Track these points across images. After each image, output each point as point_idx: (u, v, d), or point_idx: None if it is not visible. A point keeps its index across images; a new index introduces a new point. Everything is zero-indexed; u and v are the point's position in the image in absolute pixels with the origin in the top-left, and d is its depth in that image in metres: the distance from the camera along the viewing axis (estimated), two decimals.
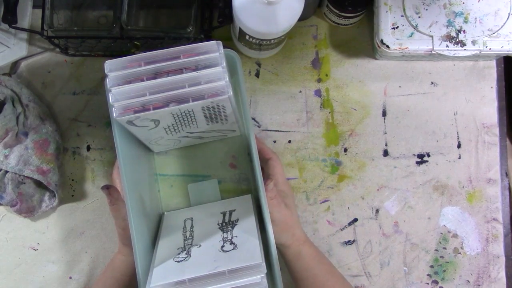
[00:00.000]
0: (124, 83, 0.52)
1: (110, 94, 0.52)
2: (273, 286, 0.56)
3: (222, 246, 0.56)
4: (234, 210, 0.64)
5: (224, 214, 0.64)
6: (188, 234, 0.61)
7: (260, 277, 0.50)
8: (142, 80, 0.52)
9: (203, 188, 0.70)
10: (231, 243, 0.56)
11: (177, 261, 0.55)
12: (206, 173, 0.70)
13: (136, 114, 0.51)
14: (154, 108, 0.51)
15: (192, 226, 0.63)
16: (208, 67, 0.52)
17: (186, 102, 0.52)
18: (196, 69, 0.52)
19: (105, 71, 0.52)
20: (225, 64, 0.53)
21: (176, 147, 0.70)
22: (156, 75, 0.52)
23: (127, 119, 0.52)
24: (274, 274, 0.56)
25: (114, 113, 0.51)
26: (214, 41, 0.53)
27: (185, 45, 0.53)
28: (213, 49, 0.53)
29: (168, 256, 0.56)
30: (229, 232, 0.59)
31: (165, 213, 0.69)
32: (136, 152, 0.64)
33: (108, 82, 0.52)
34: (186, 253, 0.56)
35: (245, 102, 0.61)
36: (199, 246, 0.57)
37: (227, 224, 0.61)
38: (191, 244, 0.58)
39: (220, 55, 0.53)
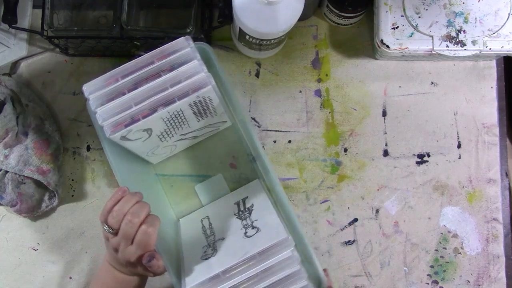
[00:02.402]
0: (107, 101, 0.52)
1: (97, 116, 0.52)
2: (305, 257, 0.55)
3: (245, 233, 0.55)
4: (247, 197, 0.64)
5: (238, 203, 0.64)
6: (208, 231, 0.61)
7: (290, 251, 0.50)
8: (124, 94, 0.52)
9: (210, 185, 0.70)
10: (253, 227, 0.56)
11: (206, 259, 0.54)
12: (206, 173, 0.70)
13: (127, 128, 0.51)
14: (144, 117, 0.51)
15: (210, 224, 0.63)
16: (183, 64, 0.52)
17: (173, 103, 0.52)
18: (173, 68, 0.52)
19: (85, 94, 0.52)
20: (200, 57, 0.53)
21: (174, 153, 0.69)
22: (136, 85, 0.52)
23: (120, 135, 0.52)
24: (303, 243, 0.55)
25: (106, 132, 0.51)
26: (183, 37, 0.53)
27: (156, 48, 0.53)
28: (184, 46, 0.53)
29: (195, 257, 0.55)
30: (247, 219, 0.59)
31: (180, 219, 0.68)
32: (135, 170, 0.64)
33: (91, 105, 0.52)
34: (212, 249, 0.56)
35: (229, 89, 0.60)
36: (223, 239, 0.57)
37: (243, 211, 0.61)
38: (214, 240, 0.58)
39: (191, 49, 0.53)
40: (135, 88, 0.52)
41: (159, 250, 0.54)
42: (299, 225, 0.56)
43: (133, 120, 0.51)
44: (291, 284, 0.50)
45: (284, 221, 0.55)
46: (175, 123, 0.57)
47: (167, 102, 0.52)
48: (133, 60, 0.53)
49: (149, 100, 0.52)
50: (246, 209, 0.61)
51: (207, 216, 0.65)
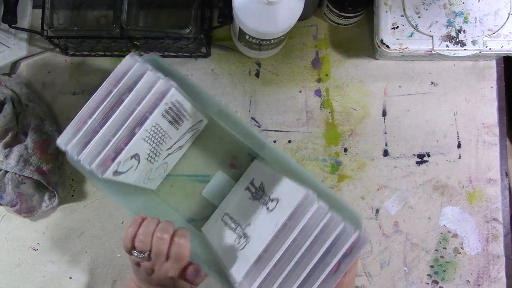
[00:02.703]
0: (85, 145, 0.52)
1: (81, 163, 0.52)
2: (331, 204, 0.54)
3: (267, 208, 0.55)
4: (253, 178, 0.64)
5: (248, 188, 0.64)
6: (233, 225, 0.61)
7: (315, 203, 0.50)
8: (98, 131, 0.52)
9: (215, 185, 0.70)
10: (272, 200, 0.55)
11: (242, 249, 0.54)
12: (206, 173, 0.70)
13: (116, 161, 0.52)
14: (125, 144, 0.52)
15: (231, 218, 0.62)
16: (139, 80, 0.53)
17: (146, 119, 0.52)
18: (131, 89, 0.53)
19: (62, 148, 0.53)
20: (152, 67, 0.53)
21: (168, 171, 0.69)
22: (105, 119, 0.53)
23: (112, 171, 0.52)
24: (325, 192, 0.55)
25: (98, 174, 0.52)
26: (128, 56, 0.54)
27: (108, 77, 0.54)
28: (132, 63, 0.54)
29: (232, 253, 0.55)
30: (263, 196, 0.58)
31: (202, 229, 0.68)
32: (140, 199, 0.65)
33: (71, 155, 0.53)
34: (243, 238, 0.55)
35: (193, 85, 0.59)
36: (250, 224, 0.56)
37: (257, 192, 0.61)
38: (242, 229, 0.58)
39: (140, 63, 0.53)
40: (106, 122, 0.52)
41: (192, 259, 0.54)
42: (312, 177, 0.56)
43: (117, 152, 0.52)
44: (330, 233, 0.50)
45: (299, 181, 0.55)
46: (156, 139, 0.58)
47: (141, 121, 0.52)
48: (92, 97, 0.53)
49: (124, 127, 0.52)
50: (258, 189, 0.61)
51: (226, 213, 0.65)
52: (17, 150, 0.67)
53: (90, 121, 0.53)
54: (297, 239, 0.50)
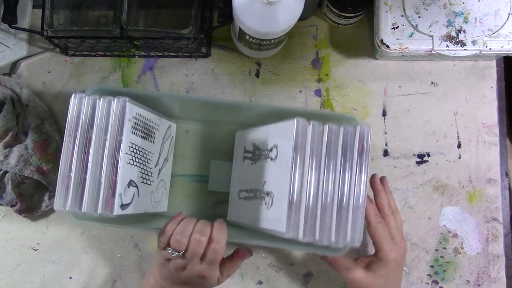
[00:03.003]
0: (80, 197, 0.53)
1: (89, 214, 0.53)
2: (320, 118, 0.55)
3: (271, 159, 0.56)
4: (244, 146, 0.65)
5: (245, 157, 0.64)
6: (252, 194, 0.61)
7: (309, 124, 0.52)
8: (85, 178, 0.53)
9: (215, 176, 0.70)
10: (271, 150, 0.57)
11: (271, 205, 0.55)
12: (206, 173, 0.70)
13: (117, 195, 0.52)
14: (116, 175, 0.52)
15: (246, 190, 0.63)
16: (94, 110, 0.54)
17: (121, 142, 0.53)
18: (92, 123, 0.54)
19: (63, 211, 0.53)
20: (99, 95, 0.54)
21: (168, 187, 0.70)
22: (84, 162, 0.53)
23: (118, 206, 0.53)
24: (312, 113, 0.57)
25: (108, 214, 0.52)
26: (71, 96, 0.54)
27: (66, 124, 0.55)
28: (79, 101, 0.55)
29: (266, 215, 0.56)
30: (262, 153, 0.60)
31: (227, 219, 0.68)
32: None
33: (75, 216, 0.54)
34: (267, 196, 0.56)
35: (146, 94, 0.60)
36: (265, 183, 0.57)
37: (254, 153, 0.62)
38: (261, 191, 0.58)
39: (87, 96, 0.54)
40: (87, 165, 0.53)
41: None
42: (293, 108, 0.60)
43: (113, 186, 0.52)
44: (336, 140, 0.52)
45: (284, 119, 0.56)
46: (140, 159, 0.58)
47: (117, 147, 0.53)
48: (62, 152, 0.54)
49: (105, 161, 0.53)
50: (254, 150, 0.62)
51: (239, 190, 0.65)
52: (17, 150, 0.67)
53: (73, 173, 0.53)
54: (312, 163, 0.51)
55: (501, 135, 0.71)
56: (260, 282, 0.70)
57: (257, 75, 0.73)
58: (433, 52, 0.65)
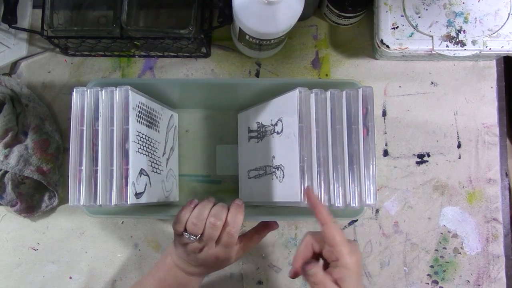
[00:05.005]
0: (94, 190, 0.53)
1: (104, 206, 0.53)
2: (321, 86, 0.55)
3: (277, 133, 0.57)
4: (248, 127, 0.65)
5: (250, 137, 0.65)
6: (262, 171, 0.61)
7: (311, 93, 0.53)
8: (96, 170, 0.53)
9: (222, 159, 0.70)
10: (276, 125, 0.57)
11: (283, 178, 0.55)
12: (206, 173, 0.70)
13: (130, 183, 0.52)
14: (127, 164, 0.52)
15: (256, 169, 0.63)
16: (97, 103, 0.54)
17: (128, 131, 0.53)
18: (97, 115, 0.54)
19: (79, 206, 0.53)
20: (100, 88, 0.54)
21: (177, 177, 0.70)
22: (94, 155, 0.53)
23: (133, 194, 0.53)
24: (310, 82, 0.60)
25: (124, 203, 0.52)
26: (73, 92, 0.54)
27: (70, 120, 0.57)
28: (81, 95, 0.55)
29: (280, 189, 0.56)
30: (266, 129, 0.60)
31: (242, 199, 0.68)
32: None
33: (91, 206, 0.53)
34: (278, 170, 0.56)
35: (146, 82, 0.61)
36: (274, 157, 0.58)
37: (259, 132, 0.62)
38: (271, 166, 0.58)
39: (89, 90, 0.54)
40: (97, 157, 0.53)
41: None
42: (293, 79, 0.63)
43: (125, 175, 0.52)
44: (340, 104, 0.53)
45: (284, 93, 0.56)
46: (148, 148, 0.58)
47: (124, 136, 0.53)
48: (70, 147, 0.54)
49: (114, 151, 0.53)
50: (258, 129, 0.62)
51: (248, 170, 0.65)
52: (17, 150, 0.67)
53: (83, 167, 0.53)
54: (318, 131, 0.52)
55: (501, 135, 0.71)
56: (260, 282, 0.70)
57: (257, 75, 0.73)
58: (433, 52, 0.65)
